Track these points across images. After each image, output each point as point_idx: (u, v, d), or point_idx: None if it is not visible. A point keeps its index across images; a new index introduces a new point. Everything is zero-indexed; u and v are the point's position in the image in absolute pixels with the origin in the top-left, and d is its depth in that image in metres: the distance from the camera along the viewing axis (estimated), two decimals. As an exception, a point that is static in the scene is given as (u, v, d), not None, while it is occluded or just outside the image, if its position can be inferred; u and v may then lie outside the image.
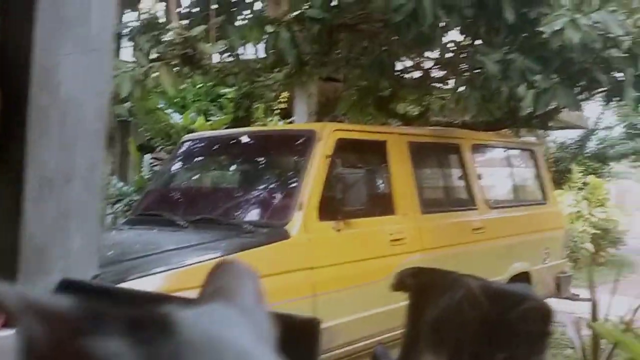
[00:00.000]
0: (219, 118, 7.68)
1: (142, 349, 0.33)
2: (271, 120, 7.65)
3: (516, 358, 1.02)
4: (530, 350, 1.04)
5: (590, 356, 2.72)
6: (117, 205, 6.99)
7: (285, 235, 3.67)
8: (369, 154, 4.69)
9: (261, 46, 5.38)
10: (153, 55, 4.53)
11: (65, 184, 1.43)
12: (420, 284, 1.59)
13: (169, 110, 7.70)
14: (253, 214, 4.19)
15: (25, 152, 1.30)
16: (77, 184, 1.47)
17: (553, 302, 4.91)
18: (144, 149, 7.85)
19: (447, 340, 1.19)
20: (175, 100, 7.80)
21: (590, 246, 10.56)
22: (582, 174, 12.08)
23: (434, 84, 6.27)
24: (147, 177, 7.13)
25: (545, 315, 1.08)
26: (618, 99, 5.18)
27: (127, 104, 6.82)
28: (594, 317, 2.82)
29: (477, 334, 1.05)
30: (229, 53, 5.37)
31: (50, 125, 1.36)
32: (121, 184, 7.40)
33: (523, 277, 5.28)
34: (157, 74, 4.35)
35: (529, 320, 1.06)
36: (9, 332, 0.78)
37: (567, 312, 3.66)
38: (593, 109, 13.66)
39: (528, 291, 1.16)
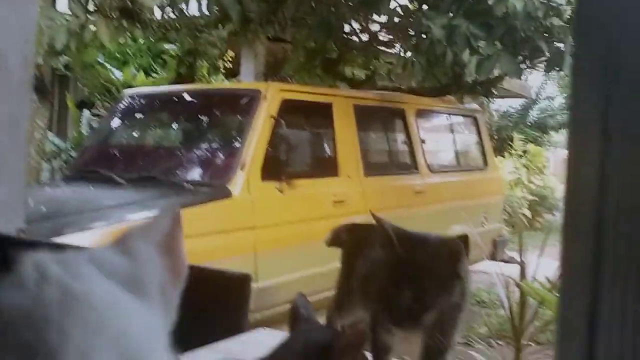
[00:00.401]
0: (161, 75, 7.47)
1: None
2: (216, 79, 7.51)
3: (424, 295, 1.04)
4: (438, 289, 1.07)
5: (517, 314, 2.85)
6: (53, 162, 6.78)
7: (226, 194, 3.64)
8: (314, 116, 4.68)
9: (204, 2, 5.23)
10: (91, 7, 4.34)
11: (-14, 134, 1.38)
12: (354, 239, 1.60)
13: (109, 66, 7.45)
14: (194, 173, 4.14)
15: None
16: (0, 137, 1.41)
17: (489, 265, 5.08)
18: (84, 104, 7.60)
19: (373, 292, 1.21)
20: (116, 56, 7.54)
21: (527, 212, 10.94)
22: (522, 142, 12.39)
23: (381, 48, 6.27)
24: (86, 133, 6.93)
25: (454, 254, 1.10)
26: (558, 68, 5.30)
27: (65, 58, 6.56)
28: (522, 276, 2.95)
29: (388, 274, 1.07)
30: (171, 8, 5.20)
31: (-32, 72, 1.30)
32: (58, 139, 7.16)
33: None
34: (94, 27, 4.18)
35: (438, 258, 1.08)
36: None
37: (501, 273, 3.79)
38: (536, 79, 14.00)
39: (441, 235, 1.18)
